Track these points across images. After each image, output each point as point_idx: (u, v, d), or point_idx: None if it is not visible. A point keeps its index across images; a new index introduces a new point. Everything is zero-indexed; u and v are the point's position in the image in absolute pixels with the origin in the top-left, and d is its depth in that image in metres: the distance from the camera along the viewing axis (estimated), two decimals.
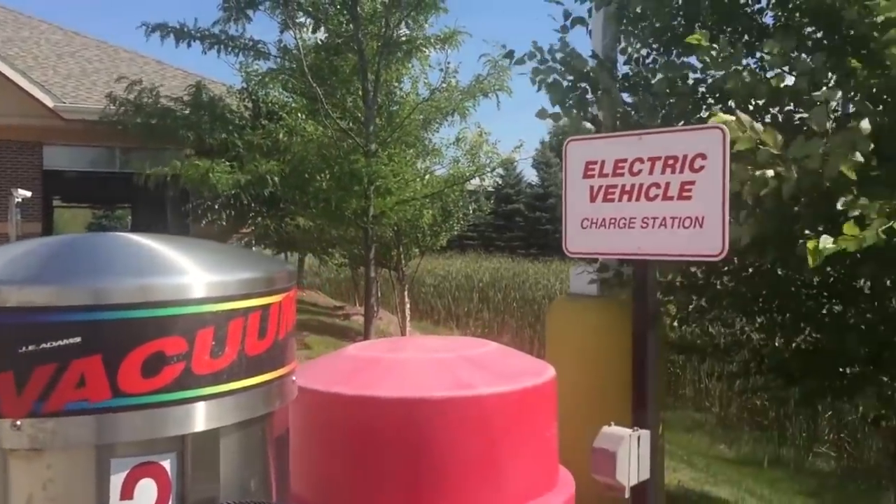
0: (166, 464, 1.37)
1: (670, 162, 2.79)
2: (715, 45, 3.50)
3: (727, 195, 2.67)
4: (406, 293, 14.02)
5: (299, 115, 10.45)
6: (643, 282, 2.89)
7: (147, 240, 1.48)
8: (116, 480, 1.33)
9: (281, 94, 13.15)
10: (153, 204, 29.24)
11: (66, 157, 15.64)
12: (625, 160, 2.91)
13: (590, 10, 4.93)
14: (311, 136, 9.50)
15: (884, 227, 3.18)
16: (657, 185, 2.83)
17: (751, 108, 4.25)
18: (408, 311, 14.03)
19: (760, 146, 3.05)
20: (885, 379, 4.78)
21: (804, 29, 3.93)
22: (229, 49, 9.87)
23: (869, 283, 4.88)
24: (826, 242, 2.94)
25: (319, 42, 10.25)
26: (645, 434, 2.70)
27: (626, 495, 2.65)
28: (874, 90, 3.65)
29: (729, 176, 2.68)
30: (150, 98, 10.20)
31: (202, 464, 1.40)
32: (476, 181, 12.79)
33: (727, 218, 2.67)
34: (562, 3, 4.81)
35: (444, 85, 10.86)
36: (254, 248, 23.11)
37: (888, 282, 4.69)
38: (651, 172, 2.85)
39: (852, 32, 3.90)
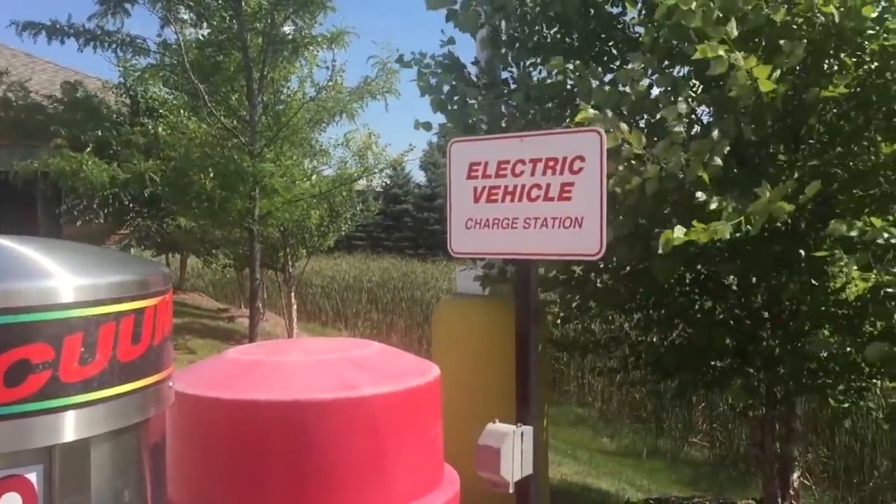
0: (32, 477, 1.30)
1: (551, 164, 2.86)
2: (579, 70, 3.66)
3: (605, 196, 2.77)
4: (293, 294, 13.82)
5: (181, 112, 10.12)
6: (526, 281, 2.95)
7: (9, 241, 1.40)
8: None
9: (161, 90, 12.73)
10: (22, 204, 27.73)
11: None
12: (507, 161, 2.97)
13: None
14: (194, 133, 9.23)
15: (734, 222, 3.37)
16: (538, 187, 2.90)
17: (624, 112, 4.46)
18: (294, 313, 13.82)
19: (625, 144, 3.20)
20: (752, 371, 5.03)
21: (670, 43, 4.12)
22: (106, 45, 9.45)
23: (735, 279, 5.13)
24: (679, 233, 3.10)
25: (202, 38, 9.96)
26: (528, 430, 2.76)
27: (511, 491, 2.70)
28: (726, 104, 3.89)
29: (605, 177, 2.77)
30: (18, 92, 9.62)
31: (71, 475, 1.34)
32: (364, 182, 12.73)
33: (605, 219, 2.77)
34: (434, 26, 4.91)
35: (330, 84, 10.75)
36: (133, 251, 22.28)
37: (753, 279, 4.94)
38: (533, 174, 2.91)
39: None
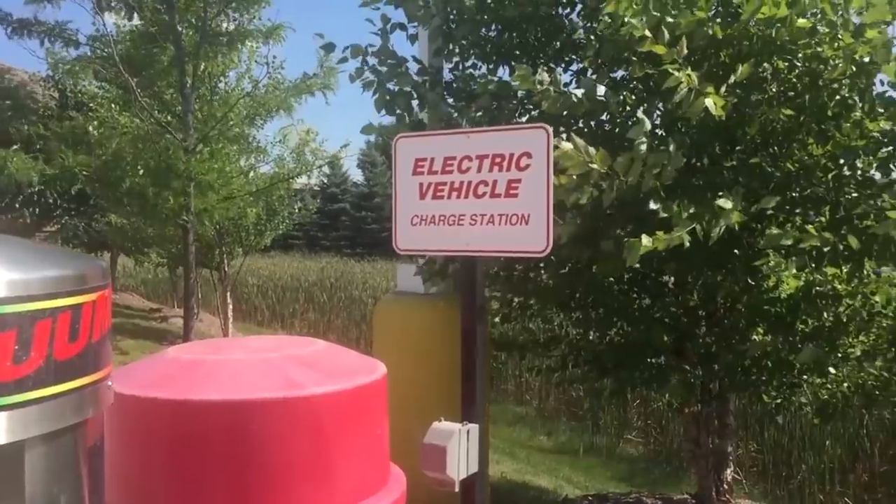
0: None
1: (497, 160, 2.85)
2: (541, 77, 3.70)
3: (551, 193, 2.77)
4: (228, 294, 13.57)
5: (112, 106, 9.82)
6: (471, 278, 2.93)
7: None
8: None
9: (92, 84, 12.38)
10: None
11: None
12: (454, 158, 2.95)
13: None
14: (126, 128, 8.96)
15: (688, 229, 3.47)
16: (485, 183, 2.88)
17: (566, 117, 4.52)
18: (230, 313, 13.58)
19: (590, 166, 3.25)
20: (688, 368, 5.11)
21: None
22: (34, 34, 9.09)
23: (672, 278, 5.21)
24: (646, 241, 3.18)
25: (135, 30, 9.67)
26: (474, 428, 2.75)
27: (457, 489, 2.68)
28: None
29: (552, 176, 2.78)
30: None
31: (4, 481, 1.27)
32: (303, 180, 12.58)
33: (551, 216, 2.77)
34: (379, 8, 4.86)
35: (268, 80, 10.60)
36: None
37: (689, 278, 5.03)
38: (479, 170, 2.90)
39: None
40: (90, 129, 9.05)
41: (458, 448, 2.63)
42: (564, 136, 4.41)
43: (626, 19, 3.30)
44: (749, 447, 11.35)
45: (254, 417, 1.94)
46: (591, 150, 3.17)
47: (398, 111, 4.85)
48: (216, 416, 1.94)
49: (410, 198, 3.06)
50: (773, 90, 4.22)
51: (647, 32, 3.20)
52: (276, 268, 29.56)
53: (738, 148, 4.62)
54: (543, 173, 2.78)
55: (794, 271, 4.36)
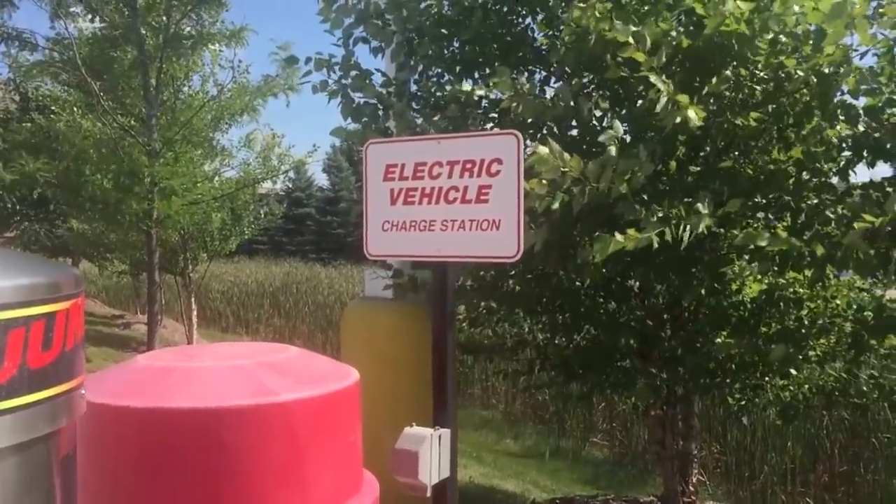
0: None
1: (468, 166, 2.87)
2: (514, 81, 3.76)
3: (521, 199, 2.79)
4: (193, 300, 13.42)
5: (74, 109, 9.66)
6: (443, 284, 2.94)
7: None
8: None
9: (53, 87, 12.19)
10: None
11: None
12: (424, 163, 2.96)
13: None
14: (89, 132, 8.82)
15: (656, 231, 3.53)
16: (456, 189, 2.90)
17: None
18: (195, 318, 13.43)
19: (563, 171, 3.29)
20: (654, 371, 5.17)
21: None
22: None
23: (638, 282, 5.27)
24: (619, 238, 3.23)
25: (96, 33, 9.53)
26: (446, 433, 2.76)
27: (428, 494, 2.69)
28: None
29: (523, 182, 2.80)
30: None
31: None
32: (268, 184, 12.49)
33: (521, 221, 2.79)
34: (337, 31, 4.91)
35: (234, 84, 10.52)
36: None
37: (655, 282, 5.09)
38: (450, 176, 2.91)
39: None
40: (61, 127, 8.89)
41: (430, 453, 2.64)
42: (533, 142, 4.48)
43: (613, 24, 3.36)
44: (712, 448, 11.50)
45: (227, 425, 1.93)
46: (566, 155, 3.21)
47: (364, 119, 4.89)
48: (188, 423, 1.92)
49: (381, 203, 3.06)
50: (737, 97, 4.29)
51: (631, 39, 3.26)
52: (241, 273, 29.31)
53: (702, 154, 4.70)
54: (514, 179, 2.80)
55: (758, 276, 4.46)
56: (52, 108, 10.04)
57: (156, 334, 9.22)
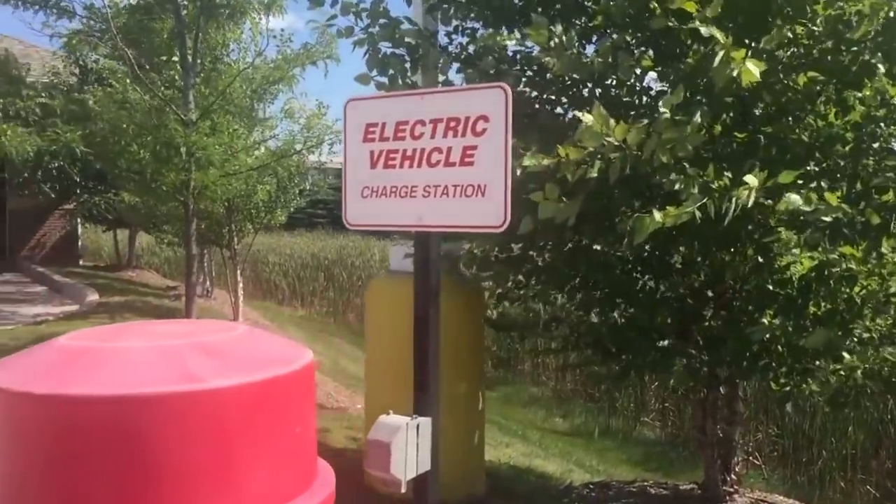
0: None
1: (452, 124, 2.54)
2: (552, 33, 3.45)
3: (509, 161, 2.46)
4: (239, 272, 13.40)
5: (126, 82, 9.61)
6: (425, 256, 2.64)
7: None
8: None
9: (104, 60, 12.23)
10: None
11: None
12: (406, 122, 2.64)
13: None
14: (136, 103, 8.72)
15: (699, 204, 3.21)
16: (439, 150, 2.58)
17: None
18: (241, 291, 13.42)
19: (607, 139, 3.00)
20: (694, 352, 4.84)
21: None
22: (28, 4, 8.84)
23: (679, 258, 4.94)
24: (658, 217, 2.95)
25: (132, 2, 9.41)
26: (425, 422, 2.48)
27: (403, 490, 2.42)
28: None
29: (511, 141, 2.47)
30: None
31: None
32: (324, 156, 12.26)
33: (509, 187, 2.46)
34: None
35: (278, 55, 10.34)
36: (80, 227, 21.67)
37: (698, 257, 4.75)
38: (433, 136, 2.59)
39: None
40: (91, 104, 8.84)
41: (406, 445, 2.37)
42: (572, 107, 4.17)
43: None
44: (769, 431, 11.06)
45: (139, 414, 1.69)
46: (612, 122, 2.91)
47: (391, 72, 4.60)
48: (95, 413, 1.68)
49: (361, 167, 2.76)
50: (792, 56, 3.93)
51: None
52: (297, 246, 29.55)
53: (750, 120, 4.32)
54: (501, 139, 2.47)
55: (807, 251, 4.08)
56: (111, 80, 10.00)
57: (193, 305, 9.17)
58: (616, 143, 3.00)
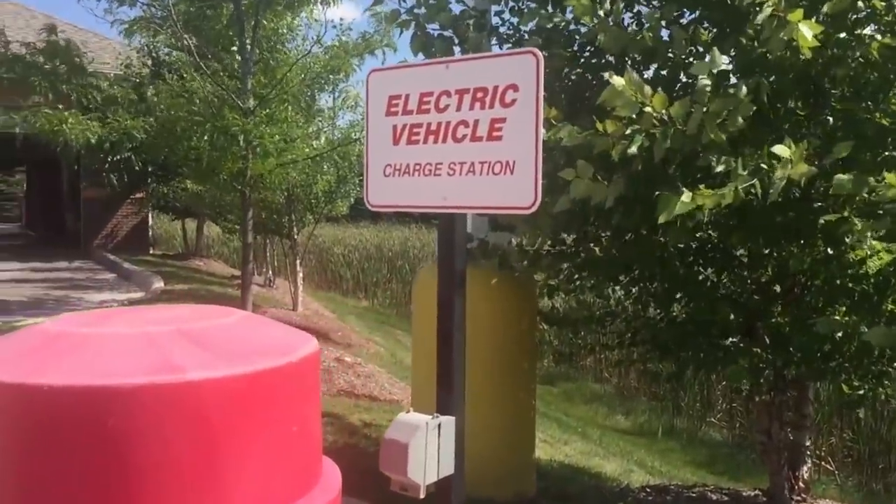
0: None
1: (479, 95, 2.31)
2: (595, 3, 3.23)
3: (540, 135, 2.22)
4: (298, 262, 13.42)
5: (191, 72, 9.66)
6: (450, 239, 2.42)
7: None
8: None
9: (176, 53, 12.34)
10: (49, 166, 27.78)
11: None
12: (431, 93, 2.42)
13: None
14: (199, 92, 8.74)
15: (745, 185, 2.94)
16: (465, 124, 2.35)
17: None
18: (300, 281, 13.43)
19: (644, 109, 2.77)
20: (759, 351, 4.53)
21: None
22: None
23: (745, 250, 4.64)
24: (685, 198, 2.70)
25: None
26: (448, 421, 2.26)
27: (422, 495, 2.22)
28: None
29: (542, 114, 2.23)
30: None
31: None
32: None
33: (540, 163, 2.23)
34: None
35: (336, 43, 10.24)
36: (151, 216, 22.16)
37: (764, 249, 4.44)
38: (459, 108, 2.37)
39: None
40: (149, 94, 8.89)
41: (426, 446, 2.16)
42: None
43: None
44: (843, 435, 10.55)
45: (111, 408, 1.52)
46: (648, 89, 2.66)
47: (436, 53, 4.41)
48: (62, 404, 1.52)
49: (383, 143, 2.56)
50: (864, 24, 3.58)
51: None
52: (362, 237, 29.70)
53: (820, 95, 3.98)
54: (532, 110, 2.23)
55: (876, 237, 3.73)
56: (181, 71, 10.07)
57: (248, 295, 9.15)
58: (656, 115, 2.75)
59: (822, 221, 3.93)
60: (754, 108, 3.05)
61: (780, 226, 3.97)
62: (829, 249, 4.17)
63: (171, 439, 1.57)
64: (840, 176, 2.85)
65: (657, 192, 2.93)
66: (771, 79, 3.51)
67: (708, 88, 2.87)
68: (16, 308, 11.32)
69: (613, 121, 2.85)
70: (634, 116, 2.78)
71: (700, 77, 2.91)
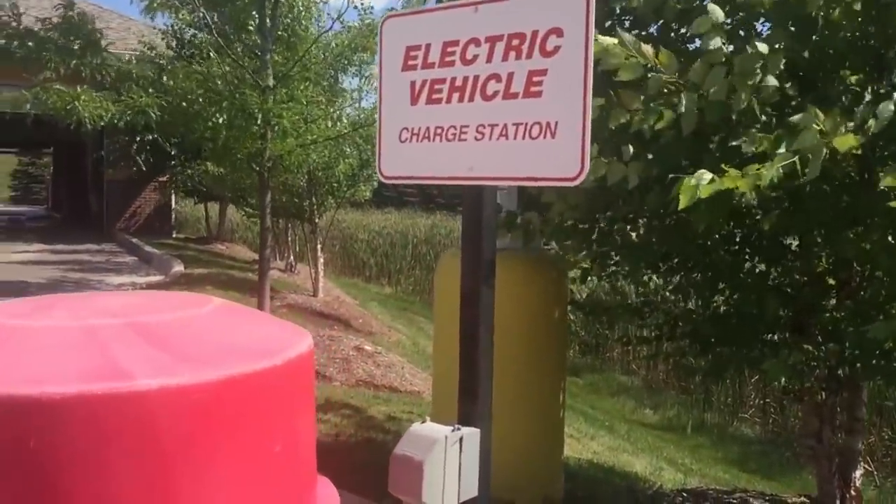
0: None
1: (515, 42, 1.91)
2: None
3: (590, 91, 1.83)
4: (319, 247, 13.11)
5: (211, 53, 9.35)
6: (477, 217, 2.03)
7: None
8: None
9: (201, 34, 12.07)
10: (73, 148, 27.76)
11: None
12: (456, 42, 2.02)
13: None
14: (217, 72, 8.43)
15: (783, 164, 2.54)
16: (497, 78, 1.95)
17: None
18: (321, 266, 13.13)
19: (652, 72, 2.46)
20: (810, 348, 4.13)
21: None
22: None
23: (797, 238, 4.25)
24: (704, 179, 2.31)
25: None
26: (472, 434, 1.89)
27: None
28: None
29: (592, 65, 1.84)
30: (11, 19, 8.77)
31: None
32: None
33: (589, 125, 1.83)
34: None
35: (359, 23, 9.89)
36: (174, 199, 22.01)
37: (819, 238, 4.04)
38: (490, 59, 1.97)
39: None
40: (164, 76, 8.58)
41: (445, 464, 1.79)
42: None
43: None
44: (882, 434, 10.20)
45: (33, 424, 1.17)
46: (648, 48, 2.27)
47: None
48: None
49: (399, 103, 2.16)
50: None
51: None
52: (387, 224, 29.49)
53: (884, 71, 3.55)
54: (580, 60, 1.83)
55: None
56: (208, 52, 9.78)
57: (266, 280, 8.83)
58: (671, 80, 2.37)
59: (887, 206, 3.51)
60: (782, 61, 2.65)
61: (834, 210, 3.58)
62: (891, 237, 3.75)
63: (112, 464, 1.22)
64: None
65: (673, 176, 2.56)
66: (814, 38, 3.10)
67: (714, 45, 2.46)
68: (34, 290, 11.16)
69: (625, 92, 2.49)
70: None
71: (705, 34, 2.50)
